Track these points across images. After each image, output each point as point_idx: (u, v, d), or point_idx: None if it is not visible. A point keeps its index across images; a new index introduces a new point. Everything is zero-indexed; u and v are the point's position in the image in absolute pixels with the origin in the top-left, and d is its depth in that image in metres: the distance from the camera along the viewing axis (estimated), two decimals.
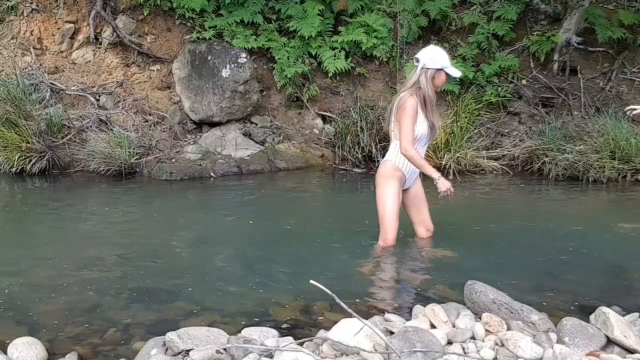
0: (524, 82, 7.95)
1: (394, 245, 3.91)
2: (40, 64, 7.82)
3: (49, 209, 5.61)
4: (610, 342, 2.54)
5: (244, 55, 7.56)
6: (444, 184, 3.70)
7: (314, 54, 7.88)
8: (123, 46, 7.97)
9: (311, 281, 2.44)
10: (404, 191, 3.94)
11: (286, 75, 7.65)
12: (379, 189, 3.87)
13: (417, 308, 2.87)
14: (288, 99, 8.01)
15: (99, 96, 7.67)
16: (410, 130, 3.69)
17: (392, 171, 3.82)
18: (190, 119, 7.67)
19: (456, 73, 3.82)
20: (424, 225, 4.03)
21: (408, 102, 3.70)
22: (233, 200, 6.18)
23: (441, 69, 3.74)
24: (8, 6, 8.00)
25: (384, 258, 3.89)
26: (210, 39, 7.68)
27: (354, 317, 2.43)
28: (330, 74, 7.81)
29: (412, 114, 3.68)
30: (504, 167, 7.01)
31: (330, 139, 7.73)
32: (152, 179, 6.80)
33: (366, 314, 2.91)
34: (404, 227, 4.00)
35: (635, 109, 4.51)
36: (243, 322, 2.88)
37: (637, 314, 2.85)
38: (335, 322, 2.59)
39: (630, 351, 2.49)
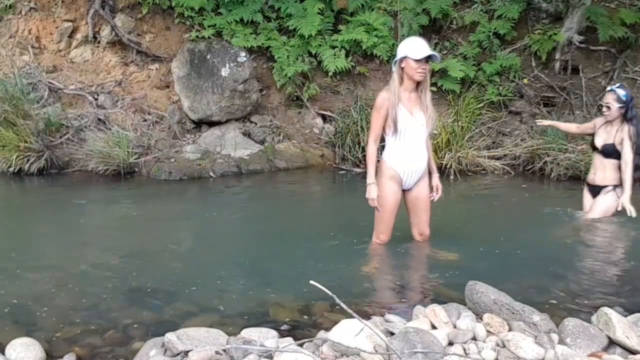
0: (525, 81, 7.93)
1: (387, 243, 3.89)
2: (39, 63, 7.78)
3: (47, 208, 5.59)
4: (612, 343, 2.53)
5: (243, 54, 7.53)
6: (368, 192, 3.73)
7: (314, 52, 7.86)
8: (122, 45, 7.95)
9: (311, 281, 2.43)
10: (406, 191, 3.90)
11: (286, 75, 7.63)
12: None
13: (418, 309, 2.85)
14: (288, 98, 7.98)
15: (98, 95, 7.64)
16: (373, 125, 3.75)
17: (385, 170, 3.80)
18: (190, 119, 7.64)
19: (417, 55, 3.56)
20: (418, 230, 3.99)
21: (377, 97, 3.76)
22: (232, 201, 6.16)
23: (405, 57, 3.62)
24: (6, 5, 7.98)
25: (385, 258, 3.88)
26: (209, 37, 7.66)
27: (354, 317, 2.42)
28: (330, 73, 7.79)
29: (376, 107, 3.73)
30: (505, 167, 6.99)
31: (331, 138, 7.70)
32: (151, 178, 6.76)
33: (366, 315, 2.90)
34: (402, 228, 3.98)
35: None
36: (242, 323, 2.86)
37: (639, 314, 2.83)
38: (335, 323, 2.58)
39: (633, 352, 2.48)
